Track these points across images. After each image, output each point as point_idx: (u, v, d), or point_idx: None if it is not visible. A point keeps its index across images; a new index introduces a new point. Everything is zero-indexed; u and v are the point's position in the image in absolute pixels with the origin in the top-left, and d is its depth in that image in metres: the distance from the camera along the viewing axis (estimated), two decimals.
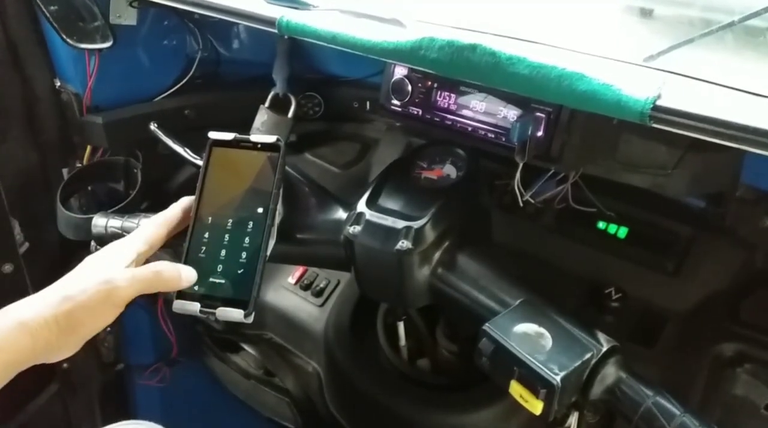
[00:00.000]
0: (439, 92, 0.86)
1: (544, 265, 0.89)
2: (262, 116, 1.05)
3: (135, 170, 1.10)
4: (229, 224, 0.64)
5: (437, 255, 0.69)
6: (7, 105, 1.06)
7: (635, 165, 0.80)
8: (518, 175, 0.78)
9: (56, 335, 0.55)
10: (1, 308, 0.55)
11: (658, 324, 0.81)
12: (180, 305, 0.62)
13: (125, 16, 1.04)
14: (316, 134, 1.18)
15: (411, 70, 0.88)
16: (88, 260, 0.61)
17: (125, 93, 1.11)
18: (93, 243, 0.95)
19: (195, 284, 0.62)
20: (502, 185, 0.91)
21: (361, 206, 0.72)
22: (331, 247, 0.74)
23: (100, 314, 0.57)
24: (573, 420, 0.70)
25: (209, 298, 0.62)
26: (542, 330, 0.58)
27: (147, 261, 0.62)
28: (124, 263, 0.60)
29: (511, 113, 0.80)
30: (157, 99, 1.14)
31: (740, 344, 0.76)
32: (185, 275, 0.62)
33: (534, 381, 0.54)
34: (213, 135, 0.67)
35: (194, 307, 0.61)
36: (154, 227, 0.64)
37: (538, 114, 0.76)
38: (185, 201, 0.67)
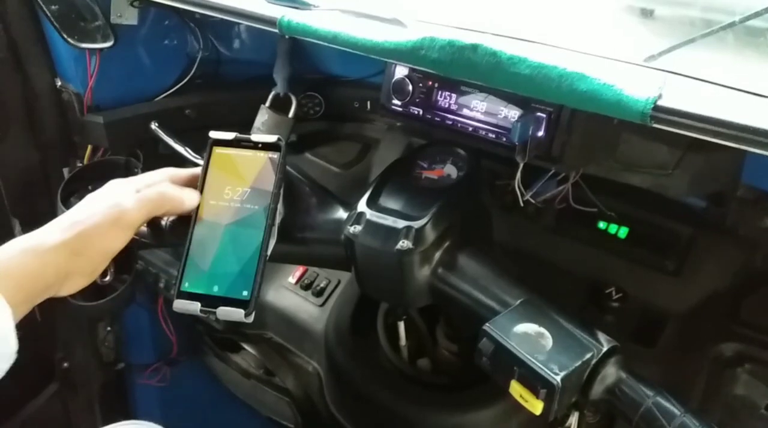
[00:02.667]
0: (439, 92, 0.86)
1: (544, 265, 0.89)
2: (263, 115, 1.05)
3: (136, 170, 1.10)
4: (230, 223, 0.64)
5: (438, 255, 0.69)
6: (8, 104, 1.07)
7: (636, 165, 0.80)
8: (519, 175, 0.78)
9: (65, 258, 0.56)
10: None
11: (659, 323, 0.81)
12: (180, 305, 0.62)
13: (126, 15, 1.04)
14: (316, 134, 1.18)
15: (412, 70, 0.88)
16: (93, 193, 0.62)
17: (126, 93, 1.11)
18: None
19: (194, 285, 0.62)
20: (502, 185, 0.91)
21: (362, 205, 0.72)
22: (332, 247, 0.74)
23: (111, 236, 0.59)
24: (573, 420, 0.70)
25: (209, 297, 0.62)
26: (542, 329, 0.58)
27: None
28: (129, 192, 0.61)
29: (511, 113, 0.80)
30: (157, 99, 1.14)
31: (741, 344, 0.76)
32: (188, 196, 0.63)
33: (534, 381, 0.54)
34: (214, 135, 0.67)
35: (194, 306, 0.61)
36: (157, 174, 0.66)
37: (539, 114, 0.76)
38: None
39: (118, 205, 0.59)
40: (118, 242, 0.60)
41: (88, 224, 0.58)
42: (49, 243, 0.56)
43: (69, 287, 0.58)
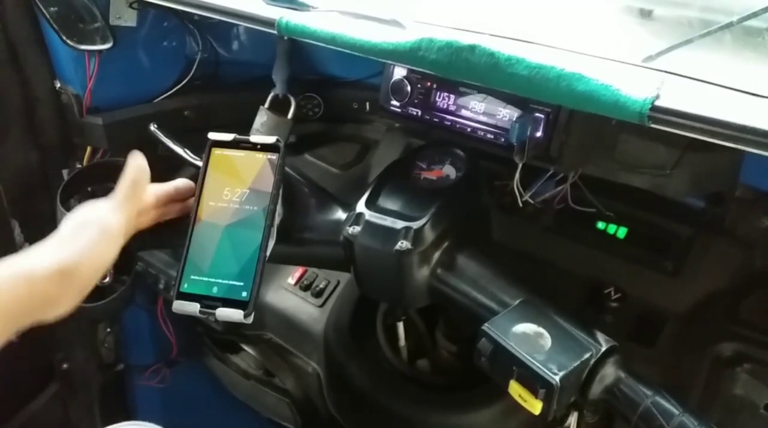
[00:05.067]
0: (438, 93, 0.86)
1: (543, 265, 0.89)
2: (262, 116, 1.05)
3: None
4: (229, 224, 0.64)
5: (436, 255, 0.69)
6: (8, 106, 1.07)
7: (634, 165, 0.80)
8: (517, 175, 0.79)
9: (56, 283, 0.54)
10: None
11: (658, 323, 0.81)
12: (179, 306, 0.62)
13: (125, 17, 1.04)
14: (315, 135, 1.18)
15: (410, 70, 0.88)
16: (73, 214, 0.60)
17: (125, 94, 1.11)
18: None
19: (193, 286, 0.62)
20: (501, 185, 0.91)
21: (361, 206, 0.72)
22: (331, 247, 0.74)
23: (101, 250, 0.58)
24: (572, 420, 0.70)
25: (209, 298, 0.62)
26: (541, 329, 0.58)
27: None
28: (106, 202, 0.60)
29: (510, 114, 0.80)
30: (157, 100, 1.14)
31: (740, 344, 0.76)
32: (141, 177, 0.63)
33: (533, 381, 0.54)
34: (213, 136, 0.67)
35: (194, 307, 0.62)
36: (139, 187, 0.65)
37: (537, 114, 0.76)
38: (180, 182, 0.67)
39: (100, 216, 0.59)
40: (107, 256, 0.58)
41: (78, 246, 0.56)
42: (40, 270, 0.53)
43: (58, 311, 0.56)
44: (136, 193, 0.63)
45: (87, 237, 0.57)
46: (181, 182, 0.68)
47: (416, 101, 0.88)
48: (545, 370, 0.54)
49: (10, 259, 0.54)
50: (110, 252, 0.59)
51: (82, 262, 0.56)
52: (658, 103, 0.52)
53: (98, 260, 0.57)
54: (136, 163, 0.64)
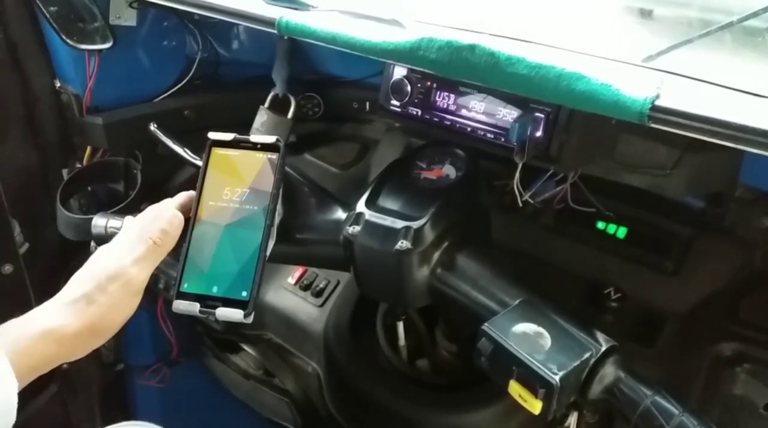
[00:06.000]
0: (438, 92, 0.86)
1: (543, 265, 0.89)
2: (262, 116, 1.05)
3: (135, 171, 1.10)
4: (229, 224, 0.64)
5: (436, 255, 0.69)
6: (7, 106, 1.07)
7: (634, 165, 0.80)
8: (517, 175, 0.79)
9: (85, 340, 0.58)
10: (25, 313, 0.57)
11: (658, 323, 0.81)
12: (179, 306, 0.62)
13: (125, 16, 1.04)
14: (315, 135, 1.18)
15: (410, 70, 0.88)
16: (93, 262, 0.61)
17: (125, 94, 1.11)
18: (93, 244, 0.95)
19: (193, 286, 0.62)
20: (501, 185, 0.91)
21: (361, 206, 0.72)
22: (331, 247, 0.74)
23: (125, 308, 0.60)
24: (572, 419, 0.70)
25: (209, 298, 0.62)
26: (541, 329, 0.58)
27: None
28: (125, 255, 0.61)
29: (510, 113, 0.80)
30: (156, 100, 1.14)
31: (739, 343, 0.76)
32: (174, 228, 0.63)
33: (533, 381, 0.54)
34: (213, 135, 0.67)
35: (194, 307, 0.61)
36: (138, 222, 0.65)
37: (537, 114, 0.76)
38: (183, 196, 0.67)
39: (124, 274, 0.59)
40: (131, 309, 0.60)
41: (104, 303, 0.58)
42: (71, 330, 0.56)
43: (77, 357, 0.59)
44: (166, 243, 0.63)
45: (113, 293, 0.58)
46: (183, 197, 0.67)
47: (416, 101, 0.88)
48: (545, 370, 0.54)
49: (39, 313, 0.57)
50: (133, 305, 0.61)
51: (109, 318, 0.59)
52: (658, 103, 0.52)
53: (123, 314, 0.60)
54: (176, 214, 0.64)
